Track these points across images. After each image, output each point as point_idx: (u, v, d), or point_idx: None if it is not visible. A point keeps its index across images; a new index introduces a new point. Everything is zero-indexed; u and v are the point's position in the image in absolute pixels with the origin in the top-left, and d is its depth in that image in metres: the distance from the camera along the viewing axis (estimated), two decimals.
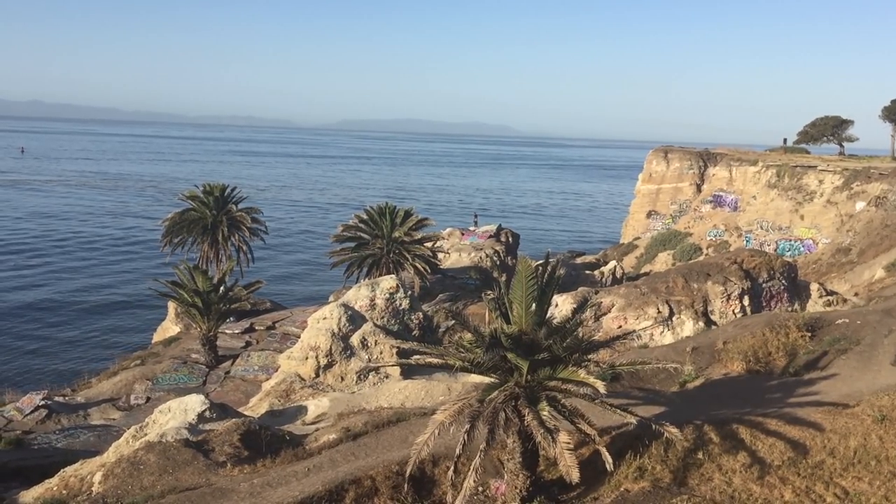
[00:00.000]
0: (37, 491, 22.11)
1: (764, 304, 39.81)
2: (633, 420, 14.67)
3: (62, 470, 23.10)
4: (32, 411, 37.62)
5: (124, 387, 41.48)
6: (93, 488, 19.60)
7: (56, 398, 40.02)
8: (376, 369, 32.35)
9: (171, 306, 51.75)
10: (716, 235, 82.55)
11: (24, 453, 30.32)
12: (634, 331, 34.38)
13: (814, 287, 43.00)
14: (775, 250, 68.63)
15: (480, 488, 15.47)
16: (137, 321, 69.71)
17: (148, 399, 39.47)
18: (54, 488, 21.82)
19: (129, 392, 40.74)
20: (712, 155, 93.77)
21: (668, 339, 35.78)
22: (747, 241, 76.41)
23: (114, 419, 37.68)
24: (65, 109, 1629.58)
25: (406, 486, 15.17)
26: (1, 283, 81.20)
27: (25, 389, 43.17)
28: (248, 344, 47.24)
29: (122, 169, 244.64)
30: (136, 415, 36.34)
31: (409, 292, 39.86)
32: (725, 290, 38.76)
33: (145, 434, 23.81)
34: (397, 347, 33.04)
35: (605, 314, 37.53)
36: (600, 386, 13.61)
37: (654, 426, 14.61)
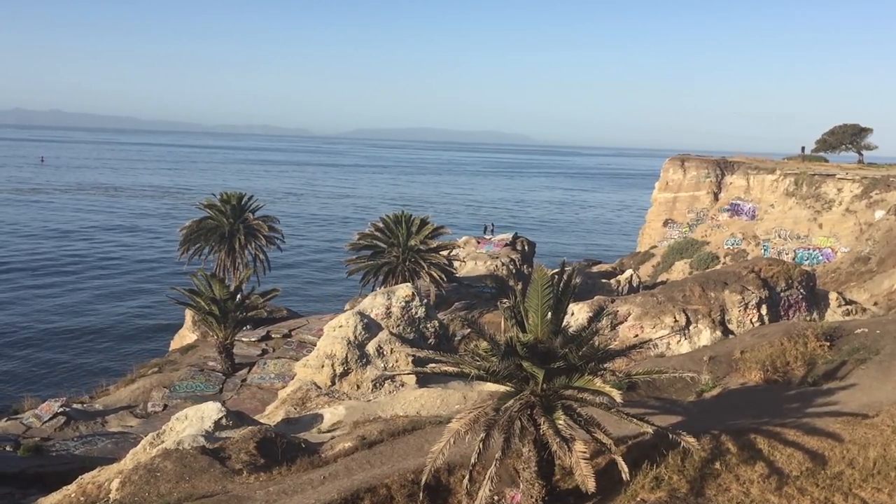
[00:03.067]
0: (55, 497, 22.27)
1: (782, 313, 39.50)
2: (650, 429, 14.59)
3: (80, 477, 23.24)
4: (51, 418, 37.93)
5: (142, 394, 41.74)
6: (110, 495, 19.72)
7: (74, 405, 40.34)
8: (392, 377, 32.38)
9: (189, 314, 52.05)
10: (733, 244, 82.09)
11: (43, 460, 30.51)
12: (651, 340, 34.17)
13: (832, 296, 42.63)
14: (793, 259, 68.19)
15: (496, 497, 15.44)
16: (155, 329, 70.14)
17: (165, 406, 39.69)
18: (72, 495, 21.97)
19: (147, 399, 40.98)
20: (729, 163, 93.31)
21: (684, 348, 35.57)
22: (765, 250, 75.93)
23: (131, 426, 37.90)
24: (84, 119, 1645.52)
25: (421, 494, 15.16)
26: (20, 292, 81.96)
27: (44, 396, 43.52)
28: (264, 352, 47.43)
29: (140, 177, 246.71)
30: (153, 422, 36.54)
31: (425, 300, 39.89)
32: (743, 298, 38.49)
33: (162, 441, 23.93)
34: (413, 356, 33.02)
35: (621, 323, 37.35)
36: (616, 395, 13.56)
37: (670, 435, 14.53)
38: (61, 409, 38.64)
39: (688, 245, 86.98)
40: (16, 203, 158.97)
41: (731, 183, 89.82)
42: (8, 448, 33.17)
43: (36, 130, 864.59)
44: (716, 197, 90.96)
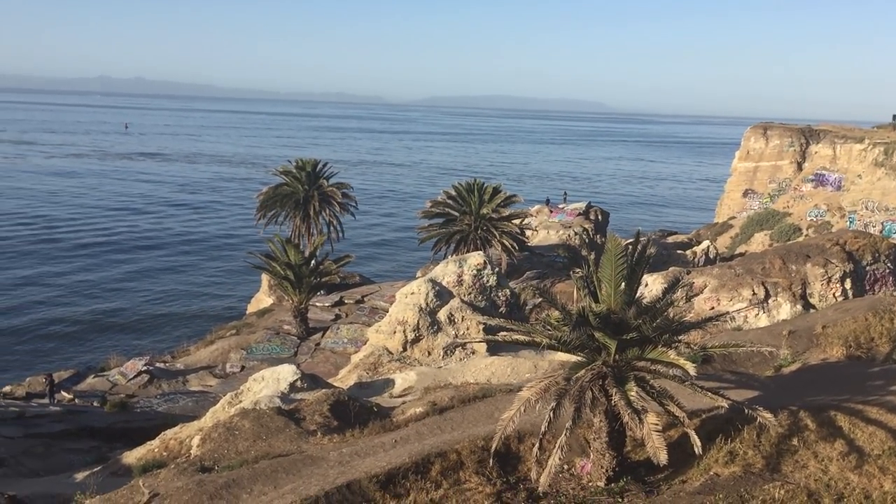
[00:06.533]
0: (139, 452, 23.24)
1: (867, 287, 38.14)
2: (725, 403, 14.30)
3: (163, 433, 24.18)
4: (135, 376, 39.54)
5: (220, 355, 43.06)
6: (191, 451, 20.45)
7: (157, 364, 41.94)
8: (463, 345, 32.55)
9: (265, 278, 53.29)
10: (817, 215, 79.32)
11: (128, 416, 31.87)
12: (728, 312, 33.30)
13: None
14: (881, 232, 65.50)
15: (566, 466, 15.41)
16: (233, 291, 72.11)
17: (242, 368, 40.89)
18: (155, 450, 22.90)
19: (225, 360, 42.29)
20: (815, 132, 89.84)
21: (763, 321, 34.73)
22: (851, 222, 73.09)
23: (210, 386, 39.21)
24: (166, 86, 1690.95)
25: (491, 461, 15.23)
26: (109, 256, 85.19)
27: (129, 355, 45.34)
28: (337, 317, 48.29)
29: (219, 144, 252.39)
30: (231, 382, 37.72)
31: (497, 269, 39.86)
32: (826, 272, 37.27)
33: (240, 401, 24.67)
34: (484, 324, 33.12)
35: (696, 295, 36.65)
36: (690, 368, 13.31)
37: (746, 410, 14.21)
38: (145, 368, 40.23)
39: (768, 216, 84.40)
40: (102, 173, 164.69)
41: (815, 152, 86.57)
42: (95, 403, 34.77)
43: (120, 97, 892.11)
44: (799, 167, 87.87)
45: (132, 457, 22.92)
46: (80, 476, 22.24)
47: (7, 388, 38.28)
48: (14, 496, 13.83)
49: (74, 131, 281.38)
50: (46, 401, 34.51)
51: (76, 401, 35.59)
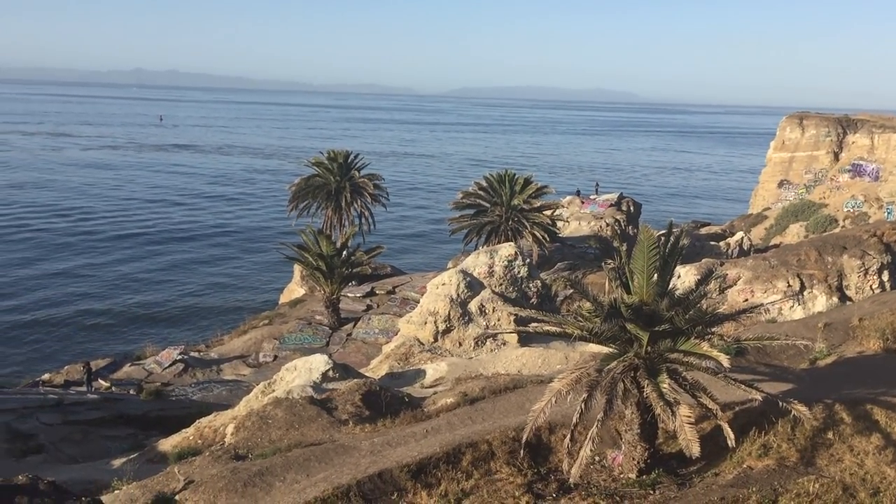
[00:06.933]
0: (175, 439, 23.58)
1: None
2: (759, 396, 14.17)
3: (197, 421, 24.48)
4: (170, 365, 40.11)
5: (253, 345, 43.52)
6: (225, 439, 20.73)
7: (192, 353, 42.50)
8: (494, 336, 32.57)
9: (297, 269, 53.69)
10: (854, 206, 77.97)
11: (163, 403, 32.33)
12: (762, 304, 33.05)
13: None
14: None
15: (597, 458, 15.39)
16: (265, 284, 72.77)
17: (275, 357, 41.29)
18: (190, 437, 23.22)
19: (258, 350, 42.73)
20: (852, 121, 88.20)
21: (798, 314, 34.30)
22: (888, 213, 71.78)
23: (244, 375, 39.65)
24: (200, 78, 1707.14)
25: (522, 451, 15.25)
26: (144, 248, 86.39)
27: (164, 345, 46.01)
28: (368, 307, 48.54)
29: (252, 135, 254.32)
30: (264, 372, 38.12)
31: (528, 260, 39.78)
32: (863, 264, 36.69)
33: (273, 390, 24.91)
34: (515, 315, 33.12)
35: (730, 286, 36.28)
36: (724, 360, 13.21)
37: (780, 403, 14.07)
38: (180, 357, 40.79)
39: (804, 207, 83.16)
40: (137, 165, 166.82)
41: (853, 142, 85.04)
42: (132, 392, 35.34)
43: (154, 90, 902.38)
44: (836, 157, 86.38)
45: (167, 444, 23.26)
46: (117, 462, 22.63)
47: (46, 376, 39.08)
48: (53, 482, 14.10)
49: (110, 123, 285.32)
50: (84, 388, 35.12)
51: (113, 389, 36.20)
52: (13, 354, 53.03)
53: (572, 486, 14.16)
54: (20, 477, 14.00)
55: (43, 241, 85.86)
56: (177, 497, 15.53)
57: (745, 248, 64.50)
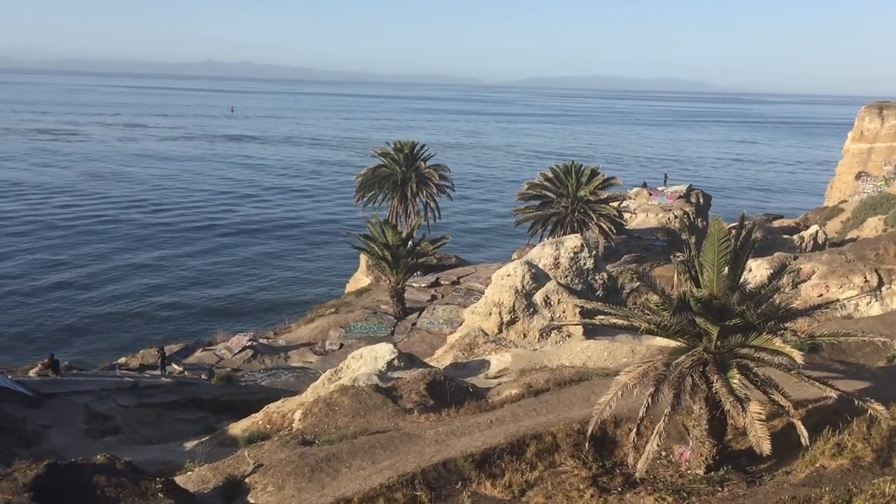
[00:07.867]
0: (244, 423, 24.15)
1: None
2: (833, 394, 13.77)
3: (266, 406, 25.04)
4: (240, 351, 41.09)
5: (320, 333, 44.23)
6: (293, 424, 21.15)
7: (261, 340, 43.45)
8: (559, 328, 32.37)
9: (363, 258, 54.27)
10: None
11: (233, 388, 33.11)
12: (837, 300, 31.95)
13: None
14: None
15: (663, 453, 15.20)
16: (332, 276, 73.66)
17: (341, 345, 41.88)
18: (259, 422, 23.76)
19: (325, 338, 43.41)
20: None
21: (875, 310, 33.14)
22: None
23: (310, 362, 40.34)
24: (270, 70, 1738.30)
25: (587, 444, 15.16)
26: (215, 240, 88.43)
27: (234, 331, 47.12)
28: (433, 297, 48.79)
29: (319, 126, 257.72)
30: (330, 359, 38.71)
31: (594, 252, 39.36)
32: None
33: (339, 378, 25.28)
34: (580, 307, 32.80)
35: (804, 281, 35.30)
36: (797, 356, 12.88)
37: (856, 401, 13.65)
38: (249, 343, 41.75)
39: (883, 200, 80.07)
40: (209, 157, 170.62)
41: None
42: (203, 376, 36.30)
43: (226, 82, 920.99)
44: None
45: (237, 428, 23.82)
46: (189, 445, 23.29)
47: (122, 360, 40.48)
48: (130, 462, 14.64)
49: (184, 115, 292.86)
50: (158, 372, 36.24)
51: (186, 373, 37.24)
52: (91, 340, 55.05)
53: (638, 480, 14.02)
54: (98, 457, 14.60)
55: (119, 234, 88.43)
56: (247, 480, 15.94)
57: (820, 242, 62.58)
